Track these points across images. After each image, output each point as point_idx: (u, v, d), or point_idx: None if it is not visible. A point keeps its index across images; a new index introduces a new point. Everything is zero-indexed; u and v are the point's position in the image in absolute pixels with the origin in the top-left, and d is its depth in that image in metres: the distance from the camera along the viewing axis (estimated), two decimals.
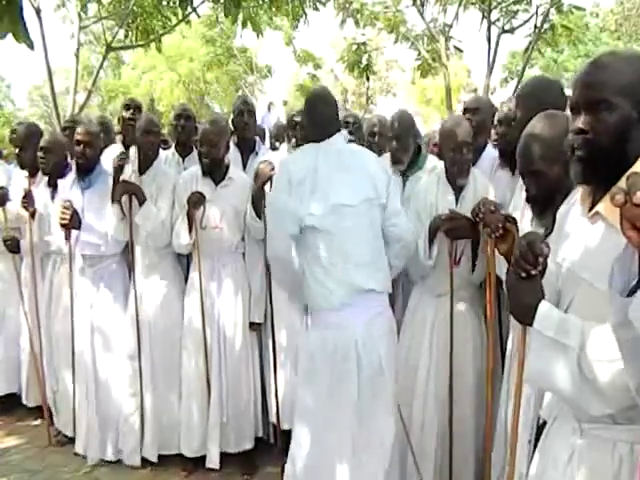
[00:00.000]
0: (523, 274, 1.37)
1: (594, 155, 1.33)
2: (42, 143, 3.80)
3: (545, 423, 1.52)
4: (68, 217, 3.48)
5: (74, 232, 3.55)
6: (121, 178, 3.44)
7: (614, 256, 1.07)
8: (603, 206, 1.33)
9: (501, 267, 2.38)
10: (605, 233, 1.32)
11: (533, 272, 1.36)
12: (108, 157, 3.90)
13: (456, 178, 2.81)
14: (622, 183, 0.95)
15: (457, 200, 2.83)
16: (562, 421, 1.44)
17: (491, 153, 3.19)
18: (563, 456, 1.39)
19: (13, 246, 3.94)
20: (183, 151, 3.85)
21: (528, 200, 1.94)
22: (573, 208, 1.50)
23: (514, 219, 2.13)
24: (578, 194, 1.48)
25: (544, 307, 1.35)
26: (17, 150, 4.10)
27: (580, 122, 1.34)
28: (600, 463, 1.32)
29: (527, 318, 1.37)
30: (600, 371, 1.23)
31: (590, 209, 1.39)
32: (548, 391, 1.46)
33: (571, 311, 1.39)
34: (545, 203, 1.86)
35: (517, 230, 2.07)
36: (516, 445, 1.57)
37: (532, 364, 1.37)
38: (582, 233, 1.40)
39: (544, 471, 1.45)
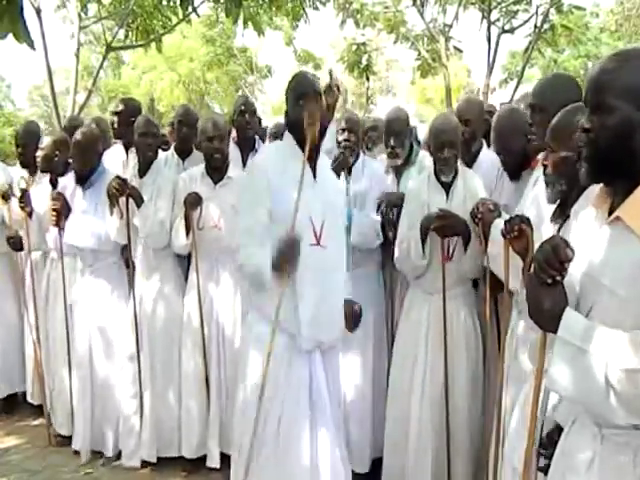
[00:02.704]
0: (549, 280, 1.32)
1: (596, 155, 1.34)
2: (43, 145, 3.81)
3: (558, 426, 1.51)
4: (58, 205, 3.51)
5: (70, 230, 3.56)
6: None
7: (635, 262, 1.05)
8: (624, 211, 1.31)
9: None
10: (626, 239, 1.30)
11: (558, 278, 1.32)
12: (110, 158, 3.90)
13: (440, 175, 2.89)
14: None
15: (447, 197, 2.88)
16: (581, 425, 1.42)
17: (488, 156, 3.20)
18: (583, 461, 1.37)
19: (16, 244, 3.95)
20: (183, 152, 3.85)
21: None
22: (586, 210, 1.48)
23: (528, 220, 2.12)
24: (593, 195, 1.46)
25: (569, 314, 1.31)
26: (19, 149, 4.10)
27: (585, 121, 1.36)
28: (621, 469, 1.30)
29: (551, 325, 1.33)
30: (627, 381, 1.20)
31: (610, 213, 1.37)
32: (571, 400, 1.42)
33: (591, 316, 1.36)
34: (550, 176, 2.01)
35: (532, 230, 2.07)
36: (532, 450, 1.54)
37: (556, 372, 1.32)
38: (601, 238, 1.37)
39: (563, 475, 1.43)
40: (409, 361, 2.91)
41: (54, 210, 3.53)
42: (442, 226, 2.75)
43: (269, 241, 2.31)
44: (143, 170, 3.51)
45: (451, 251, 2.81)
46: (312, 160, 2.42)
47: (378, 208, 3.21)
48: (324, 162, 2.59)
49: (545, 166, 2.03)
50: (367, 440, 3.19)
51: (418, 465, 2.82)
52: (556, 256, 1.30)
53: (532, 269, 1.37)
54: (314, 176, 2.42)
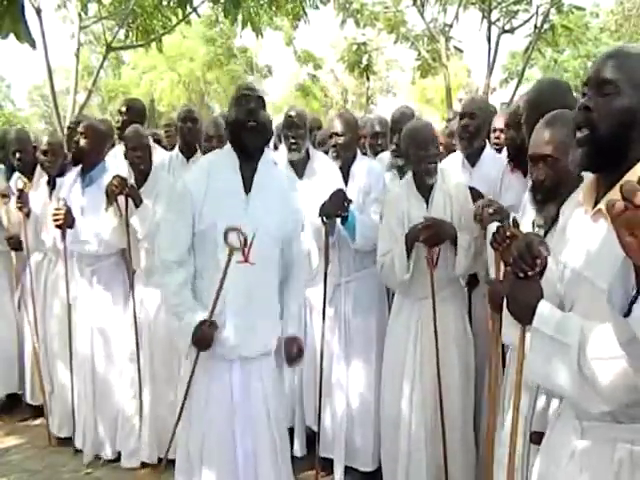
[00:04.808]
0: (521, 274, 1.38)
1: (594, 137, 1.33)
2: (45, 146, 3.80)
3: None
4: (61, 216, 3.47)
5: (70, 230, 3.53)
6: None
7: (615, 255, 1.07)
8: (605, 204, 1.33)
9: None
10: (607, 232, 1.32)
11: (530, 273, 1.37)
12: (112, 158, 3.90)
13: (424, 177, 2.80)
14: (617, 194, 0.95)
15: (427, 203, 2.83)
16: (564, 418, 1.45)
17: (490, 155, 3.19)
18: (565, 454, 1.40)
19: (16, 244, 3.95)
20: (188, 152, 3.84)
21: (533, 187, 1.95)
22: (575, 208, 1.50)
23: (516, 223, 2.11)
24: (581, 192, 1.48)
25: (543, 306, 1.36)
26: (17, 155, 4.08)
27: (587, 99, 1.35)
28: (600, 462, 1.32)
29: (526, 317, 1.38)
30: (599, 370, 1.23)
31: (594, 206, 1.39)
32: (548, 389, 1.46)
33: (574, 311, 1.39)
34: (548, 192, 1.90)
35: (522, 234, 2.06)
36: (515, 443, 1.57)
37: (532, 362, 1.38)
38: (584, 231, 1.40)
39: (547, 468, 1.46)
40: (399, 366, 2.87)
41: (56, 220, 3.48)
42: (429, 236, 2.70)
43: (186, 266, 2.37)
44: (140, 181, 3.47)
45: (435, 258, 2.76)
46: (249, 171, 2.39)
47: None
48: (272, 171, 2.54)
49: (542, 182, 1.92)
50: (371, 440, 3.17)
51: (412, 468, 2.81)
52: (529, 252, 1.37)
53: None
54: (249, 189, 2.37)
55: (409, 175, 2.92)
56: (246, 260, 2.31)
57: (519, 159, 2.67)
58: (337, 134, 3.23)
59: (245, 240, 2.26)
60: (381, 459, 3.07)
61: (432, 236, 2.70)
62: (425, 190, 2.84)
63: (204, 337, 2.30)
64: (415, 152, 2.78)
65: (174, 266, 2.37)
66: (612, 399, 1.25)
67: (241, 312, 2.33)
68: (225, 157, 2.43)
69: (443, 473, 2.79)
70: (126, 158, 3.48)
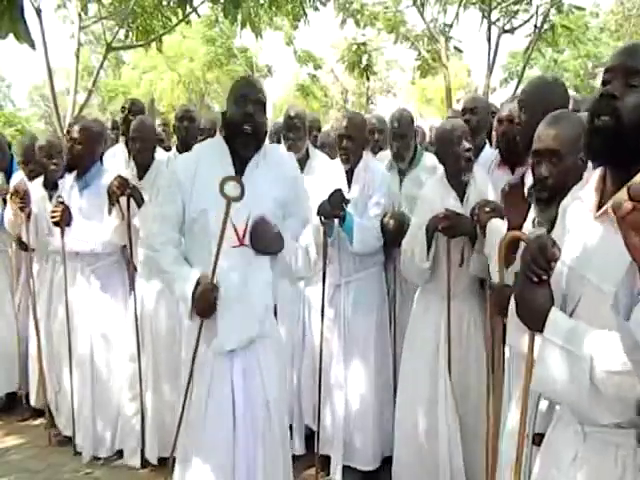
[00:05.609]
0: (535, 279, 1.33)
1: (617, 126, 1.26)
2: (50, 149, 3.80)
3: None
4: (59, 214, 3.47)
5: (69, 230, 3.53)
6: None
7: (621, 258, 1.05)
8: (612, 204, 1.31)
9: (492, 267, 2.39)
10: (612, 234, 1.27)
11: (545, 277, 1.33)
12: (111, 157, 3.90)
13: (464, 172, 2.81)
14: (623, 194, 0.93)
15: (462, 201, 2.83)
16: (566, 423, 1.43)
17: (489, 154, 3.20)
18: (566, 458, 1.38)
19: (23, 244, 3.95)
20: (185, 151, 3.84)
21: (535, 185, 1.88)
22: (577, 205, 1.47)
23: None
24: (581, 191, 1.46)
25: (554, 314, 1.32)
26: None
27: (614, 87, 1.29)
28: (603, 467, 1.31)
29: (537, 324, 1.34)
30: (612, 383, 1.21)
31: (598, 207, 1.36)
32: (554, 399, 1.43)
33: (577, 312, 1.36)
34: (553, 191, 1.81)
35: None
36: (523, 448, 1.55)
37: (540, 372, 1.34)
38: (588, 232, 1.37)
39: (548, 471, 1.44)
40: (429, 364, 2.87)
41: (53, 217, 3.49)
42: (449, 226, 2.72)
43: (176, 246, 2.37)
44: (141, 172, 3.50)
45: (466, 255, 2.78)
46: (241, 157, 2.35)
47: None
48: (274, 156, 2.46)
49: (545, 179, 1.84)
50: (370, 439, 3.18)
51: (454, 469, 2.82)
52: (542, 255, 1.32)
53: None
54: (241, 172, 2.33)
55: (442, 173, 2.91)
56: (241, 243, 2.29)
57: (509, 154, 2.74)
58: (348, 137, 3.15)
59: (243, 190, 2.21)
60: (394, 459, 3.04)
61: (450, 227, 2.72)
62: (459, 188, 2.84)
63: (205, 299, 2.24)
64: (451, 149, 2.78)
65: (163, 247, 2.37)
66: (623, 412, 1.23)
67: (238, 296, 2.29)
68: (216, 145, 2.43)
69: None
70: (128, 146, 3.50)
